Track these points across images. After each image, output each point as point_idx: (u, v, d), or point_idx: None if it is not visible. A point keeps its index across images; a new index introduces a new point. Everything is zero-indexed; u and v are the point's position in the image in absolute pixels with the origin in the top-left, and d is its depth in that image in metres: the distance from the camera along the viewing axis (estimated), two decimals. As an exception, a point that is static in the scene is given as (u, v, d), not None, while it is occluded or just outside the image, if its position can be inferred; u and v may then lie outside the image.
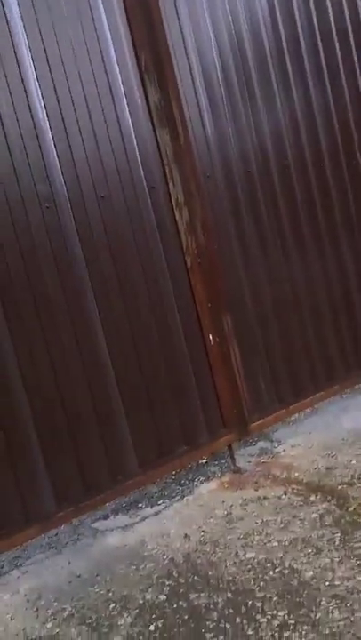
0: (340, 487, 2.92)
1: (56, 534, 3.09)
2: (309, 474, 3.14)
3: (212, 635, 2.06)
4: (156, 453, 3.02)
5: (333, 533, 2.51)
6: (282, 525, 2.67)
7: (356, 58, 3.88)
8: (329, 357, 3.71)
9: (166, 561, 2.60)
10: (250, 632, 2.03)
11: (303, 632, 1.97)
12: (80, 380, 2.82)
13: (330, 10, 3.77)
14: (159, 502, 3.19)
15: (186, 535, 2.78)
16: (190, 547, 2.67)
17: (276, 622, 2.05)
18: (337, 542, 2.44)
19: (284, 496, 2.95)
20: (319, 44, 3.70)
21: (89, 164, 2.87)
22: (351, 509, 2.68)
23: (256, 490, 3.09)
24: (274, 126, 3.51)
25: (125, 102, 2.99)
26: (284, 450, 3.54)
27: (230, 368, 3.27)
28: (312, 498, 2.87)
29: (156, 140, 3.07)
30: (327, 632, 1.94)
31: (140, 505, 3.21)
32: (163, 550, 2.70)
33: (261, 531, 2.66)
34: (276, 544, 2.53)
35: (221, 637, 2.04)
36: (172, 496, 3.23)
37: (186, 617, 2.20)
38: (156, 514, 3.07)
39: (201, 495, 3.17)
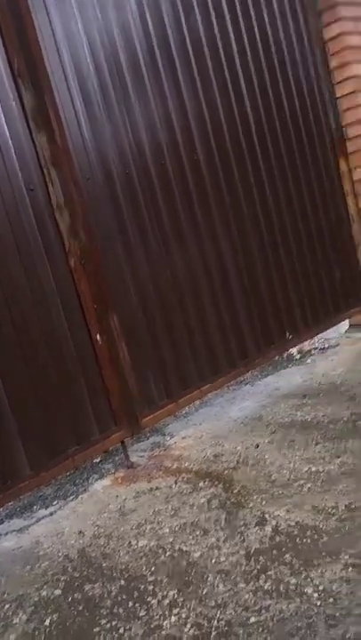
0: (225, 472, 3.08)
1: None
2: (198, 462, 3.28)
3: (105, 620, 2.13)
4: (48, 454, 3.04)
5: (220, 515, 2.66)
6: (172, 512, 2.79)
7: (222, 55, 4.07)
8: (213, 350, 3.88)
9: (61, 558, 2.64)
10: (142, 613, 2.12)
11: (191, 607, 2.08)
12: (-35, 385, 2.79)
13: (197, 13, 3.94)
14: (54, 503, 3.21)
15: (80, 531, 2.82)
16: (85, 542, 2.72)
17: (166, 601, 2.15)
18: (223, 523, 2.59)
19: (174, 485, 3.07)
20: (188, 44, 3.86)
21: (-36, 168, 2.85)
22: (235, 491, 2.85)
23: (149, 482, 3.19)
24: (150, 126, 3.62)
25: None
26: (175, 442, 3.68)
27: (119, 365, 3.35)
28: (201, 484, 3.01)
29: (33, 143, 3.09)
30: (213, 604, 2.07)
31: (34, 507, 3.22)
32: (57, 548, 2.73)
33: (153, 519, 2.76)
34: (167, 530, 2.64)
35: (114, 622, 2.11)
36: (67, 496, 3.26)
37: (80, 608, 2.25)
38: (51, 514, 3.09)
39: (96, 492, 3.22)
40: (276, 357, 4.72)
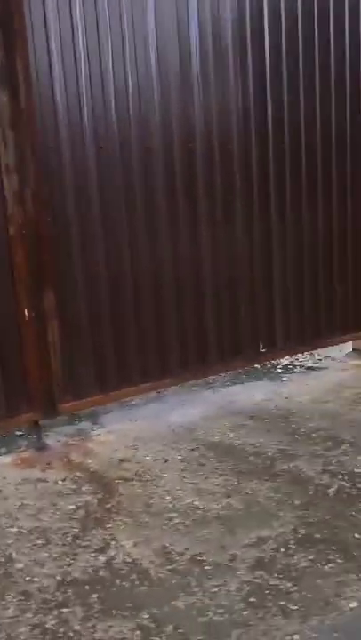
0: (117, 481, 2.91)
1: None
2: (102, 463, 3.12)
3: None
4: None
5: (73, 528, 2.51)
6: (35, 512, 2.66)
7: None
8: (165, 349, 3.65)
9: None
10: None
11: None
12: None
13: None
14: None
15: None
16: None
17: None
18: (69, 538, 2.44)
19: (61, 482, 2.93)
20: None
21: None
22: (108, 506, 2.68)
23: (42, 471, 3.07)
24: (139, 100, 3.36)
25: None
26: (99, 434, 3.53)
27: (45, 346, 3.21)
28: (84, 488, 2.86)
29: (-8, 99, 2.93)
30: (-13, 628, 1.94)
31: None
32: None
33: (12, 514, 2.64)
34: (15, 530, 2.52)
35: None
36: (-36, 462, 3.20)
37: None
38: None
39: (-10, 468, 3.14)
40: (259, 366, 4.46)
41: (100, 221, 3.34)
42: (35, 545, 2.40)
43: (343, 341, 4.60)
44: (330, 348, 4.78)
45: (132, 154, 3.40)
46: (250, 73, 3.75)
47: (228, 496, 2.71)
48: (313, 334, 4.33)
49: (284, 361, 4.76)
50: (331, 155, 4.18)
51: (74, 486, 2.88)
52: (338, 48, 4.06)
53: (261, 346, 4.12)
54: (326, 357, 4.86)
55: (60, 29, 3.09)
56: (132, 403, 4.01)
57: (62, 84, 3.13)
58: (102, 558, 2.28)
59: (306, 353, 4.79)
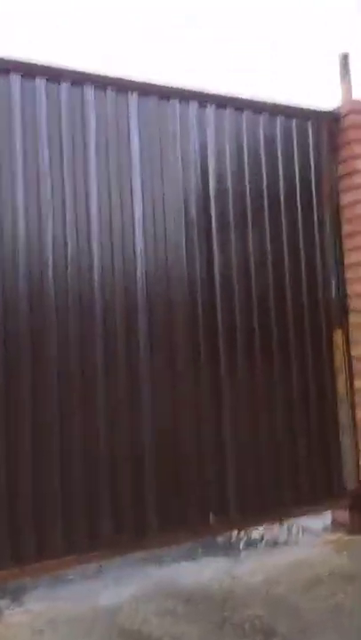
0: None
1: None
2: (-3, 651, 2.77)
3: None
4: None
5: None
6: None
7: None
8: (95, 517, 3.38)
9: None
10: None
11: None
12: None
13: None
14: None
15: None
16: None
17: None
18: None
19: None
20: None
21: None
22: None
23: None
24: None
25: None
26: (10, 614, 3.20)
27: None
28: None
29: None
30: None
31: None
32: None
33: None
34: None
35: None
36: None
37: None
38: None
39: None
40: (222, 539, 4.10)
41: (29, 387, 3.28)
42: None
43: (308, 513, 4.21)
44: (309, 519, 4.42)
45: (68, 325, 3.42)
46: (196, 245, 3.86)
47: None
48: (273, 504, 3.97)
49: (256, 534, 4.37)
50: (288, 336, 4.16)
51: None
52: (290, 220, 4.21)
53: (212, 516, 3.79)
54: (304, 530, 4.45)
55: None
56: (68, 577, 3.67)
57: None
58: None
59: (279, 525, 4.42)
